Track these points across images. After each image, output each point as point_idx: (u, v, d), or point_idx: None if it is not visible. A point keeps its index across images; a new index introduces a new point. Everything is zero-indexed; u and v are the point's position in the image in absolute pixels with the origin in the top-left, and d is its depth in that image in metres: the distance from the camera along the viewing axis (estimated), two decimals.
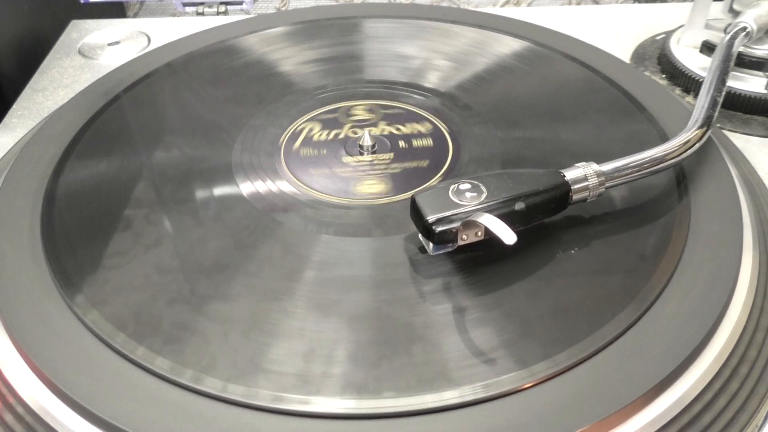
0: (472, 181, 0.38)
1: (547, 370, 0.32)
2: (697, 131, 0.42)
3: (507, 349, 0.33)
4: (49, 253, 0.38)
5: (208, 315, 0.35)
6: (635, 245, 0.39)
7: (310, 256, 0.39)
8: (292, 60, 0.56)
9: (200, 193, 0.43)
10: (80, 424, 0.32)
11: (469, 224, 0.36)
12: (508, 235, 0.34)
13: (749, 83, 0.55)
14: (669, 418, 0.32)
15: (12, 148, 0.52)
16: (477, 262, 0.38)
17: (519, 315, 0.35)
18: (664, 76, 0.60)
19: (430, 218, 0.36)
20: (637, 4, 0.74)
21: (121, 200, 0.43)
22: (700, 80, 0.56)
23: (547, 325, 0.34)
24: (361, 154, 0.46)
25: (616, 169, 0.39)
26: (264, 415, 0.31)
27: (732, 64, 0.50)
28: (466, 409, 0.31)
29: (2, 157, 0.51)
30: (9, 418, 0.33)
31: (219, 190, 0.44)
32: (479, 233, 0.36)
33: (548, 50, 0.56)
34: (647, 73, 0.60)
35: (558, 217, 0.40)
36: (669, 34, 0.63)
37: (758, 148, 0.52)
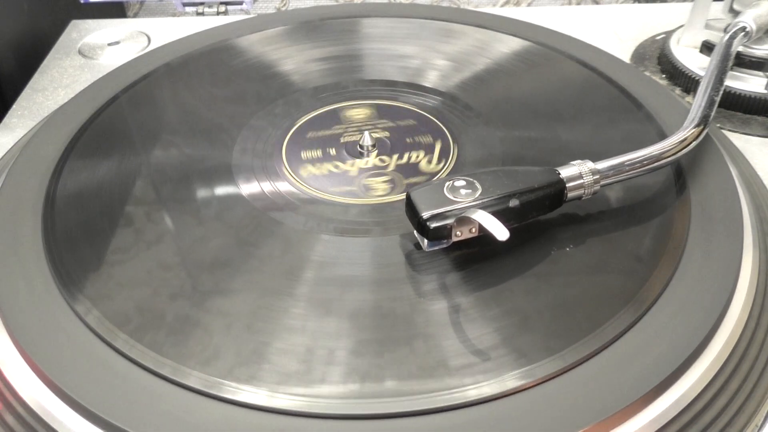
0: (467, 178, 0.38)
1: (547, 370, 0.32)
2: (693, 130, 0.42)
3: (507, 349, 0.33)
4: (50, 253, 0.38)
5: (209, 314, 0.35)
6: (635, 245, 0.39)
7: (310, 255, 0.39)
8: (292, 60, 0.56)
9: (200, 193, 0.43)
10: (80, 424, 0.32)
11: (462, 220, 0.36)
12: (500, 232, 0.34)
13: (749, 83, 0.55)
14: (669, 418, 0.32)
15: (12, 148, 0.52)
16: (476, 261, 0.38)
17: (519, 315, 0.35)
18: (664, 76, 0.60)
19: (425, 214, 0.36)
20: (637, 4, 0.74)
21: (121, 200, 0.43)
22: (700, 80, 0.56)
23: (546, 324, 0.34)
24: (361, 154, 0.46)
25: (612, 167, 0.39)
26: (264, 414, 0.31)
27: (731, 63, 0.50)
28: (465, 409, 0.31)
29: (2, 157, 0.51)
30: (9, 418, 0.33)
31: (219, 190, 0.44)
32: (473, 229, 0.37)
33: (548, 50, 0.56)
34: (647, 73, 0.60)
35: (561, 216, 0.40)
36: (669, 34, 0.63)
37: (758, 148, 0.52)
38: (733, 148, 0.50)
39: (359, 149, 0.47)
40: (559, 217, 0.40)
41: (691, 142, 0.42)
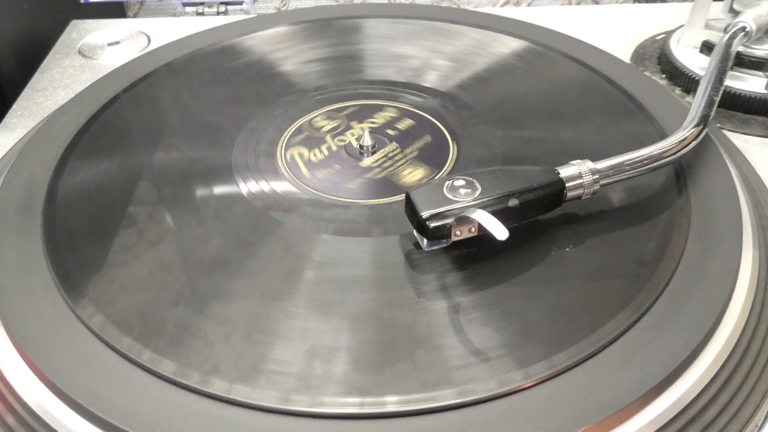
0: (467, 178, 0.38)
1: (547, 370, 0.32)
2: (693, 129, 0.42)
3: (507, 349, 0.33)
4: (50, 254, 0.38)
5: (210, 316, 0.35)
6: (635, 245, 0.39)
7: (310, 255, 0.39)
8: (292, 60, 0.56)
9: (200, 194, 0.43)
10: (81, 424, 0.32)
11: (462, 220, 0.36)
12: (499, 231, 0.34)
13: (749, 83, 0.55)
14: (669, 418, 0.32)
15: (12, 148, 0.52)
16: (475, 260, 0.38)
17: (519, 314, 0.35)
18: (664, 76, 0.60)
19: (424, 214, 0.36)
20: (637, 4, 0.74)
21: (121, 201, 0.43)
22: (700, 80, 0.56)
23: (546, 324, 0.34)
24: (362, 154, 0.46)
25: (611, 167, 0.39)
26: (267, 416, 0.31)
27: (730, 63, 0.50)
28: (466, 409, 0.31)
29: (2, 157, 0.51)
30: (9, 418, 0.33)
31: (219, 190, 0.44)
32: (473, 229, 0.37)
33: (548, 50, 0.56)
34: (647, 73, 0.60)
35: (560, 216, 0.40)
36: (669, 34, 0.63)
37: (758, 148, 0.52)
38: (733, 148, 0.50)
39: (360, 150, 0.47)
40: (559, 217, 0.40)
41: (690, 142, 0.42)
